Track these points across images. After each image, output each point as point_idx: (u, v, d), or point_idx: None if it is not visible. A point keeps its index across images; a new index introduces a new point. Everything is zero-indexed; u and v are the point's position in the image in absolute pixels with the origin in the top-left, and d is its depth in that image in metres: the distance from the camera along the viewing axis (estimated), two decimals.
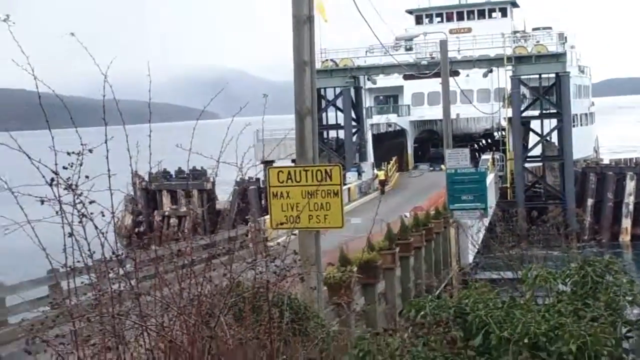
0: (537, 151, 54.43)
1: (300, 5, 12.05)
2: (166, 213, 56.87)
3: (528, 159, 53.54)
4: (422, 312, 5.85)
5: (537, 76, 53.82)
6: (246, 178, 47.64)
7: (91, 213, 5.61)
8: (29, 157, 5.29)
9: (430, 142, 73.24)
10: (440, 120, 50.72)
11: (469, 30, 67.79)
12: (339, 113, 59.37)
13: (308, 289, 10.00)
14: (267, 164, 47.36)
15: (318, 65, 48.17)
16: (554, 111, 53.21)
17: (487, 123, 64.28)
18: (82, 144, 5.62)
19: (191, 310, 5.34)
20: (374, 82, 64.56)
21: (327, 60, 57.72)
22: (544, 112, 54.53)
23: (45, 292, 18.66)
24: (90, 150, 5.66)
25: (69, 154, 5.53)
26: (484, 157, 56.38)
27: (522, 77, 52.80)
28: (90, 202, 5.50)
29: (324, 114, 58.28)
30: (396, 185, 54.76)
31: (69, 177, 5.48)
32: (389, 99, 70.20)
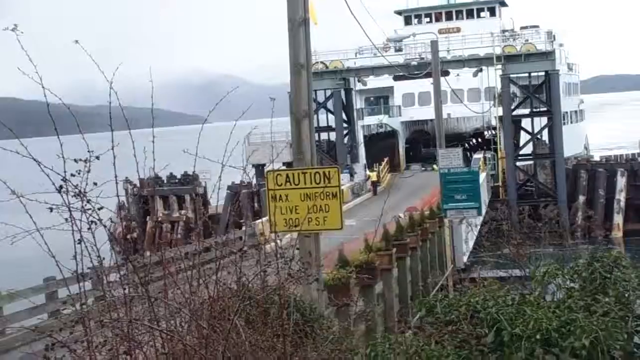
0: (528, 149, 54.55)
1: (296, 7, 12.01)
2: (159, 219, 56.72)
3: (519, 158, 53.66)
4: (434, 311, 5.87)
5: (527, 75, 53.95)
6: (238, 181, 47.60)
7: (99, 219, 5.61)
8: (39, 164, 5.28)
9: (421, 142, 73.29)
10: (431, 120, 50.79)
11: (458, 30, 67.97)
12: (330, 115, 59.39)
13: (308, 291, 9.99)
14: (258, 167, 47.46)
15: None
16: (544, 109, 53.37)
17: (478, 122, 64.39)
18: (89, 151, 5.63)
19: (204, 314, 5.34)
20: (364, 84, 64.60)
21: (317, 62, 57.73)
22: (534, 110, 54.65)
23: (42, 301, 18.62)
24: (96, 158, 5.66)
25: (76, 161, 5.53)
26: (475, 156, 56.47)
27: (512, 75, 52.91)
28: (100, 209, 5.50)
29: (315, 117, 58.21)
30: (389, 186, 54.78)
31: (77, 184, 5.48)
32: (380, 100, 70.24)
